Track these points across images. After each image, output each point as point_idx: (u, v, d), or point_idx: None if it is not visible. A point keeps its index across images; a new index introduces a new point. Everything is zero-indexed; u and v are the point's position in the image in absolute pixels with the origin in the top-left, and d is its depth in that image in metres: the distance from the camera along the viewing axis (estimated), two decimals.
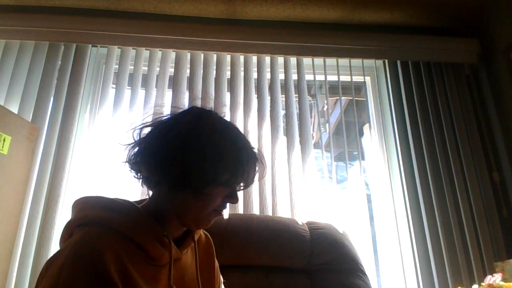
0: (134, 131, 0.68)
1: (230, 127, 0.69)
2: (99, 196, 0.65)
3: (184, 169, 0.59)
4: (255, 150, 0.70)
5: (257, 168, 0.70)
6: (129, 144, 0.67)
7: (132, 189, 1.36)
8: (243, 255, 1.06)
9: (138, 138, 0.67)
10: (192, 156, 0.59)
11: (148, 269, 0.58)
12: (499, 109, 1.57)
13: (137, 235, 0.58)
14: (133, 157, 0.67)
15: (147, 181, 0.67)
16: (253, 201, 1.37)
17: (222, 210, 0.68)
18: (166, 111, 0.73)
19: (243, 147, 0.66)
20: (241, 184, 0.68)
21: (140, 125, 0.68)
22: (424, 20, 1.74)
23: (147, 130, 0.67)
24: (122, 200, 0.65)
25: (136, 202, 0.68)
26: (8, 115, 1.11)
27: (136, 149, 0.67)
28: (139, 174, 0.68)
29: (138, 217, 0.61)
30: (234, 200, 0.67)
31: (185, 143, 0.60)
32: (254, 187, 1.39)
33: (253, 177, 0.69)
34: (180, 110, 0.71)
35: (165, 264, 0.62)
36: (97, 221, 0.57)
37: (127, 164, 0.68)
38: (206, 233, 0.83)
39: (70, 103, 1.43)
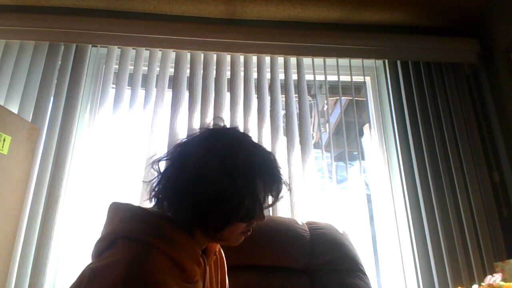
0: (153, 164, 0.67)
1: (245, 151, 0.64)
2: (140, 208, 0.64)
3: (201, 213, 0.59)
4: (280, 170, 0.67)
5: (280, 190, 0.67)
6: (150, 181, 0.67)
7: (132, 189, 1.36)
8: (243, 255, 1.06)
9: (158, 172, 0.67)
10: (206, 202, 0.58)
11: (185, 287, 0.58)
12: (499, 109, 1.57)
13: (180, 256, 0.57)
14: (155, 193, 0.65)
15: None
16: None
17: (250, 230, 0.67)
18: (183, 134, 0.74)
19: (266, 172, 0.63)
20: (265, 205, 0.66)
21: (158, 159, 0.68)
22: (424, 20, 1.74)
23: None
24: (158, 213, 0.64)
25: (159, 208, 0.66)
26: (8, 115, 1.11)
27: (157, 186, 0.65)
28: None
29: (181, 238, 0.60)
30: (262, 219, 0.66)
31: (198, 188, 0.58)
32: None
33: (276, 198, 0.68)
34: (194, 136, 0.68)
35: (197, 280, 0.62)
36: (143, 238, 0.56)
37: (150, 198, 0.67)
38: None
39: (70, 103, 1.43)
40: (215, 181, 0.57)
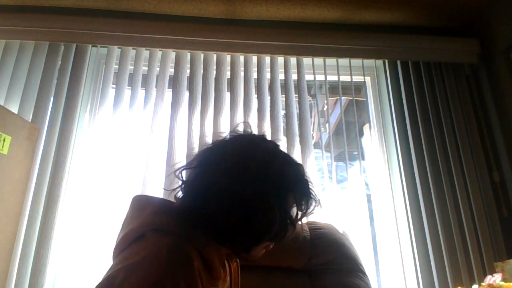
0: (177, 172, 0.65)
1: (278, 167, 0.60)
2: (172, 202, 0.62)
3: (231, 233, 0.56)
4: (310, 185, 0.64)
5: (311, 206, 0.64)
6: (173, 190, 0.64)
7: (131, 189, 1.36)
8: None
9: (181, 180, 0.64)
10: (238, 221, 0.55)
11: None
12: (499, 109, 1.57)
13: (210, 255, 0.55)
14: (181, 200, 0.63)
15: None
16: None
17: (272, 245, 0.65)
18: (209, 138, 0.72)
19: (301, 182, 0.61)
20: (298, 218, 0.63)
21: (182, 167, 0.66)
22: (424, 20, 1.74)
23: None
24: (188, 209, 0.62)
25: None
26: (8, 115, 1.11)
27: (185, 197, 0.63)
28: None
29: (210, 240, 0.57)
30: (288, 233, 0.62)
31: (230, 207, 0.55)
32: None
33: (305, 214, 0.64)
34: (221, 143, 0.65)
35: (218, 284, 0.60)
36: (176, 231, 0.55)
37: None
38: None
39: (70, 103, 1.43)
40: (249, 202, 0.55)
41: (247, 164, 0.58)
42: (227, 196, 0.55)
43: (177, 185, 0.64)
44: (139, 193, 0.66)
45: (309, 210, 0.63)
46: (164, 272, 0.48)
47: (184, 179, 0.65)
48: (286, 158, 0.63)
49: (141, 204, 0.62)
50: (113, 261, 0.58)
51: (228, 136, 0.66)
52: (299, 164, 0.65)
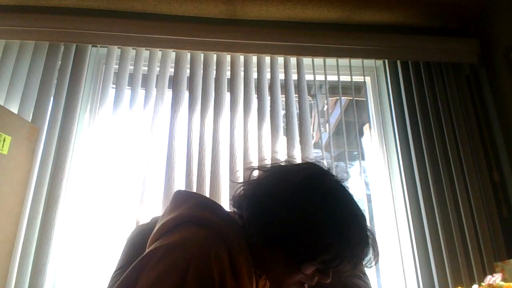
0: (248, 171, 0.66)
1: (344, 198, 0.60)
2: (214, 201, 0.63)
3: (283, 235, 0.55)
4: (369, 233, 0.61)
5: (367, 255, 0.60)
6: (240, 183, 0.65)
7: (131, 189, 1.36)
8: None
9: (247, 179, 0.65)
10: (293, 226, 0.54)
11: None
12: (499, 109, 1.57)
13: (238, 259, 0.54)
14: (238, 197, 0.64)
15: (248, 223, 0.61)
16: None
17: (307, 284, 0.61)
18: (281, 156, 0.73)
19: (357, 226, 0.58)
20: (345, 268, 0.59)
21: (255, 167, 0.67)
22: (424, 20, 1.74)
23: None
24: (230, 214, 0.62)
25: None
26: (8, 115, 1.11)
27: (242, 192, 0.64)
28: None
29: (244, 245, 0.56)
30: (327, 279, 0.59)
31: (290, 210, 0.55)
32: None
33: (360, 263, 0.60)
34: (294, 163, 0.66)
35: None
36: (211, 226, 0.54)
37: (232, 200, 0.65)
38: None
39: (70, 103, 1.43)
40: (301, 213, 0.55)
41: (311, 197, 0.57)
42: (285, 209, 0.55)
43: (239, 186, 0.65)
44: (182, 189, 0.67)
45: (362, 260, 0.60)
46: (199, 256, 0.48)
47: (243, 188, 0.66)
48: (343, 195, 0.61)
49: (183, 197, 0.63)
50: (147, 248, 0.58)
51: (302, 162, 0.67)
52: (363, 215, 0.62)
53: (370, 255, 0.61)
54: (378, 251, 0.62)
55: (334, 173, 0.64)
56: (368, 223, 0.62)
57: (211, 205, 0.61)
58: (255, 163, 0.63)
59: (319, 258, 0.55)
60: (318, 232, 0.54)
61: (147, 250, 0.54)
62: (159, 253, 0.50)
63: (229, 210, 0.67)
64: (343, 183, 0.63)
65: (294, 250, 0.55)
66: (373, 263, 0.62)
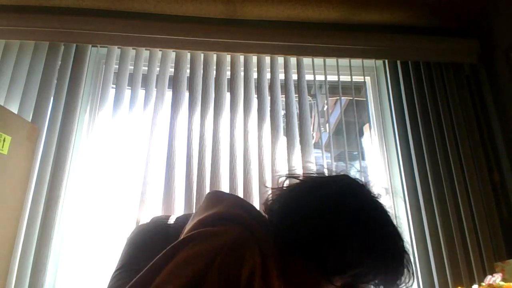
0: (282, 178, 0.65)
1: (378, 213, 0.59)
2: (249, 203, 0.63)
3: (313, 246, 0.54)
4: (404, 253, 0.60)
5: (400, 274, 0.58)
6: (273, 189, 0.65)
7: (131, 189, 1.36)
8: None
9: (280, 187, 0.65)
10: (324, 238, 0.53)
11: None
12: (499, 109, 1.57)
13: (269, 260, 0.53)
14: (270, 203, 0.64)
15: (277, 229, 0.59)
16: (254, 200, 1.37)
17: None
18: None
19: (392, 243, 0.57)
20: (378, 285, 0.58)
21: (289, 175, 0.67)
22: (424, 20, 1.74)
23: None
24: (265, 218, 0.61)
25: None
26: (8, 115, 1.11)
27: (275, 198, 0.64)
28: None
29: (274, 250, 0.55)
30: None
31: (322, 222, 0.54)
32: (255, 187, 1.39)
33: (392, 282, 0.58)
34: (328, 174, 0.66)
35: None
36: (246, 224, 0.54)
37: (263, 205, 0.65)
38: None
39: (70, 103, 1.43)
40: (335, 224, 0.55)
41: (349, 198, 0.57)
42: (318, 221, 0.55)
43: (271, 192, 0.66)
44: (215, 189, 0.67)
45: (394, 279, 0.58)
46: (231, 250, 0.48)
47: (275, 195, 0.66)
48: (380, 211, 0.61)
49: (218, 197, 0.63)
50: None
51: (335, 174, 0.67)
52: (394, 225, 0.62)
53: (404, 275, 0.59)
54: (412, 271, 0.60)
55: (369, 187, 0.63)
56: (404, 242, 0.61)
57: (246, 206, 0.61)
58: (288, 171, 0.64)
59: (350, 272, 0.54)
60: (349, 246, 0.53)
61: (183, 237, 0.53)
62: (200, 237, 0.50)
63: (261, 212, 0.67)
64: (378, 198, 0.62)
65: (324, 262, 0.54)
66: (407, 284, 0.60)
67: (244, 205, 0.61)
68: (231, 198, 0.63)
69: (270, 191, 0.67)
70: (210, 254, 0.47)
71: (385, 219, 0.60)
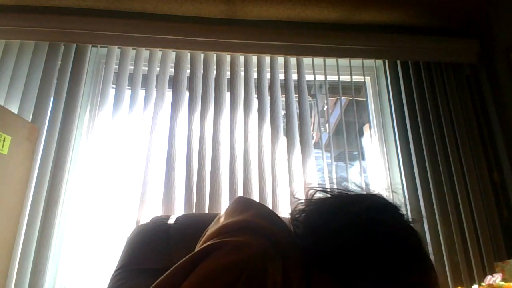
0: (311, 191, 0.64)
1: (406, 236, 0.58)
2: (272, 211, 0.62)
3: (342, 263, 0.53)
4: (432, 278, 0.58)
5: None
6: (300, 200, 0.65)
7: (131, 189, 1.36)
8: None
9: (309, 199, 0.64)
10: (346, 256, 0.53)
11: None
12: (499, 109, 1.57)
13: (292, 277, 0.53)
14: (297, 214, 0.63)
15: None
16: None
17: None
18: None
19: (417, 268, 0.56)
20: None
21: (319, 188, 0.65)
22: (424, 20, 1.74)
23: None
24: (290, 234, 0.60)
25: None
26: (8, 115, 1.11)
27: (303, 209, 0.63)
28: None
29: (298, 263, 0.55)
30: None
31: (345, 240, 0.53)
32: (255, 187, 1.39)
33: None
34: (360, 192, 0.64)
35: None
36: (271, 238, 0.53)
37: (290, 215, 0.64)
38: None
39: (70, 103, 1.43)
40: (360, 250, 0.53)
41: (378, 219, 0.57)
42: (341, 238, 0.54)
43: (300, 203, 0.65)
44: (242, 195, 0.67)
45: None
46: (257, 262, 0.48)
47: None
48: (419, 249, 0.59)
49: (246, 204, 0.63)
50: (200, 246, 0.58)
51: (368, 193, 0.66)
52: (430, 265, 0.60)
53: None
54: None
55: (399, 208, 0.63)
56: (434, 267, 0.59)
57: (273, 217, 0.60)
58: (318, 184, 0.63)
59: None
60: (372, 266, 0.52)
61: (207, 243, 0.53)
62: (227, 248, 0.50)
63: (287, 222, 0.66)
64: (407, 220, 0.62)
65: (345, 278, 0.53)
66: None
67: (271, 216, 0.61)
68: (259, 207, 0.62)
69: (290, 201, 0.68)
70: (237, 268, 0.47)
71: (417, 242, 0.58)
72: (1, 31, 1.48)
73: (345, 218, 0.56)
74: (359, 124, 1.65)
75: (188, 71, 1.55)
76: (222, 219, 0.62)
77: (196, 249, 0.57)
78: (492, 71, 1.62)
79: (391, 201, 0.64)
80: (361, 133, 1.71)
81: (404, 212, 0.63)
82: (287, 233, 0.59)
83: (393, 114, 1.59)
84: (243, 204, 0.63)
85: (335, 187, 0.66)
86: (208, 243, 0.53)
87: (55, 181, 1.32)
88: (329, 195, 0.65)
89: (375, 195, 0.65)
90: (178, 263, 0.50)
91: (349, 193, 0.64)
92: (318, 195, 0.67)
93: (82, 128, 1.49)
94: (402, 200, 1.42)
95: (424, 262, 0.57)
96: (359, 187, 0.66)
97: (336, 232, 0.55)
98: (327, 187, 0.67)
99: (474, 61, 1.64)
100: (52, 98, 1.44)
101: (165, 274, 0.50)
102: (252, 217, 0.58)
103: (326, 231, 0.56)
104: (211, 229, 0.60)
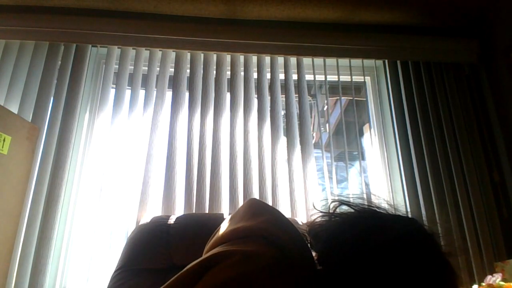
0: (334, 203, 0.59)
1: (451, 277, 0.53)
2: (286, 217, 0.59)
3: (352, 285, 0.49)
4: None
5: None
6: (321, 213, 0.60)
7: (132, 189, 1.36)
8: None
9: (331, 212, 0.59)
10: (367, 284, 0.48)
11: None
12: (499, 109, 1.57)
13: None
14: (316, 227, 0.59)
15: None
16: None
17: None
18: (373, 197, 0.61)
19: None
20: None
21: (344, 201, 0.60)
22: (424, 20, 1.74)
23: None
24: (304, 246, 0.57)
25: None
26: (8, 115, 1.11)
27: (322, 223, 0.59)
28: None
29: (311, 279, 0.53)
30: None
31: (369, 269, 0.49)
32: (255, 187, 1.39)
33: None
34: (392, 213, 0.59)
35: None
36: (283, 248, 0.51)
37: (308, 227, 0.60)
38: None
39: (70, 103, 1.43)
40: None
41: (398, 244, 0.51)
42: (365, 267, 0.49)
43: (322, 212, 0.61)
44: (255, 197, 0.63)
45: None
46: (268, 275, 0.46)
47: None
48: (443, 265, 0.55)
49: (258, 208, 0.60)
50: (209, 249, 0.56)
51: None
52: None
53: None
54: None
55: (437, 239, 0.56)
56: None
57: (286, 225, 0.58)
58: (343, 197, 0.56)
59: None
60: None
61: (216, 249, 0.51)
62: (235, 258, 0.48)
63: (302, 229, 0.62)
64: (446, 254, 0.56)
65: None
66: None
67: (284, 223, 0.58)
68: (272, 213, 0.60)
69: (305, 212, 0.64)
70: (245, 282, 0.46)
71: (453, 283, 0.52)
72: (1, 31, 1.48)
73: (374, 245, 0.51)
74: (359, 124, 1.65)
75: (188, 71, 1.55)
76: (233, 221, 0.60)
77: (205, 250, 0.56)
78: (492, 71, 1.62)
79: (426, 227, 0.58)
80: (361, 133, 1.71)
81: (440, 242, 0.57)
82: (300, 244, 0.56)
83: (393, 114, 1.59)
84: (255, 208, 0.61)
85: (358, 199, 0.60)
86: (217, 250, 0.51)
87: (55, 181, 1.32)
88: (353, 210, 0.59)
89: (409, 221, 0.58)
90: (186, 268, 0.49)
91: (377, 210, 0.58)
92: (342, 207, 0.61)
93: (82, 128, 1.49)
94: (402, 203, 1.42)
95: None
96: (388, 203, 0.60)
97: (363, 260, 0.50)
98: (351, 201, 0.61)
99: (474, 61, 1.64)
100: (52, 98, 1.44)
101: (171, 280, 0.48)
102: (265, 225, 0.55)
103: (350, 254, 0.51)
104: (221, 231, 0.58)
